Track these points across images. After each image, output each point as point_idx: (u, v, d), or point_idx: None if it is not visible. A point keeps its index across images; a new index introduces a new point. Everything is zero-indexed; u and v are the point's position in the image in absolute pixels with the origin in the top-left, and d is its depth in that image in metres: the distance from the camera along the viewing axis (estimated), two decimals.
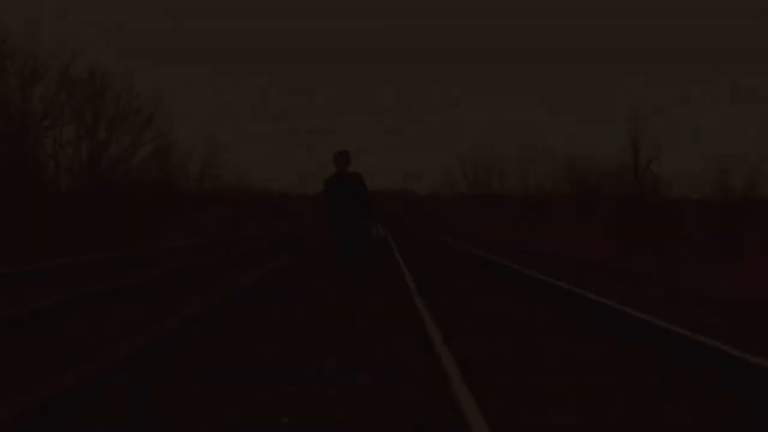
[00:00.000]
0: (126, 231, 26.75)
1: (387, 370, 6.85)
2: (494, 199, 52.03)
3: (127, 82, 30.31)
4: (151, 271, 16.15)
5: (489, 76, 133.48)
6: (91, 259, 18.33)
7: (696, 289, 13.42)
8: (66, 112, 27.44)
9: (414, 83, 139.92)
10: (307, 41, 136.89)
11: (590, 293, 11.45)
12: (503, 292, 13.46)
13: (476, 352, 7.64)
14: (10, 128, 23.81)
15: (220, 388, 6.09)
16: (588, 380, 6.51)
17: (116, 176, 28.53)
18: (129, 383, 6.14)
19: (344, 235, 12.25)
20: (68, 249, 20.86)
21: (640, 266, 17.62)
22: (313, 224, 30.78)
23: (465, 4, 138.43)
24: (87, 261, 17.97)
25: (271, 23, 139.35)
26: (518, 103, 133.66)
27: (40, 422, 5.01)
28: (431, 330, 8.28)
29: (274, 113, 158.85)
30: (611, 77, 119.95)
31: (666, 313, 9.94)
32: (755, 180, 38.81)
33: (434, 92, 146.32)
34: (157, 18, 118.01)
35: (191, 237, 28.91)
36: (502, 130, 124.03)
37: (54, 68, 27.51)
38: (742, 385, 6.22)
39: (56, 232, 22.76)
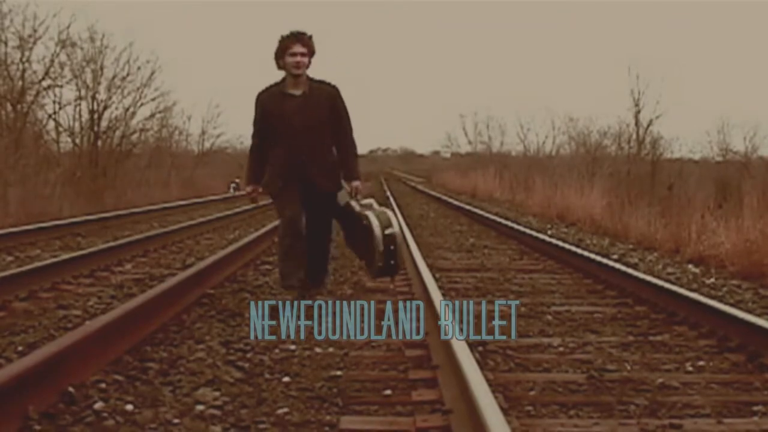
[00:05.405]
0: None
1: None
2: (495, 158, 53.23)
3: (127, 41, 30.54)
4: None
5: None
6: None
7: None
8: (66, 73, 27.67)
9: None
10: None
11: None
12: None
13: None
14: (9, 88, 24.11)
15: None
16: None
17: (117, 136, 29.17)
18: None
19: (295, 211, 6.66)
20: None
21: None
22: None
23: None
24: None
25: None
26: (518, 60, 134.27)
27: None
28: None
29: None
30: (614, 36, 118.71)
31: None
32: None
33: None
34: None
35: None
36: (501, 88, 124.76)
37: (53, 28, 28.62)
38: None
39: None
